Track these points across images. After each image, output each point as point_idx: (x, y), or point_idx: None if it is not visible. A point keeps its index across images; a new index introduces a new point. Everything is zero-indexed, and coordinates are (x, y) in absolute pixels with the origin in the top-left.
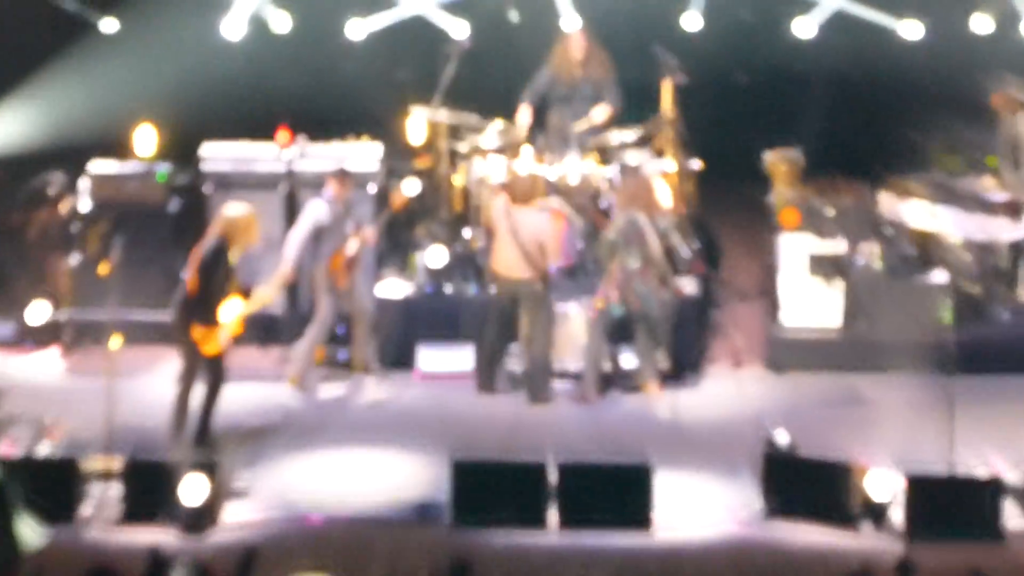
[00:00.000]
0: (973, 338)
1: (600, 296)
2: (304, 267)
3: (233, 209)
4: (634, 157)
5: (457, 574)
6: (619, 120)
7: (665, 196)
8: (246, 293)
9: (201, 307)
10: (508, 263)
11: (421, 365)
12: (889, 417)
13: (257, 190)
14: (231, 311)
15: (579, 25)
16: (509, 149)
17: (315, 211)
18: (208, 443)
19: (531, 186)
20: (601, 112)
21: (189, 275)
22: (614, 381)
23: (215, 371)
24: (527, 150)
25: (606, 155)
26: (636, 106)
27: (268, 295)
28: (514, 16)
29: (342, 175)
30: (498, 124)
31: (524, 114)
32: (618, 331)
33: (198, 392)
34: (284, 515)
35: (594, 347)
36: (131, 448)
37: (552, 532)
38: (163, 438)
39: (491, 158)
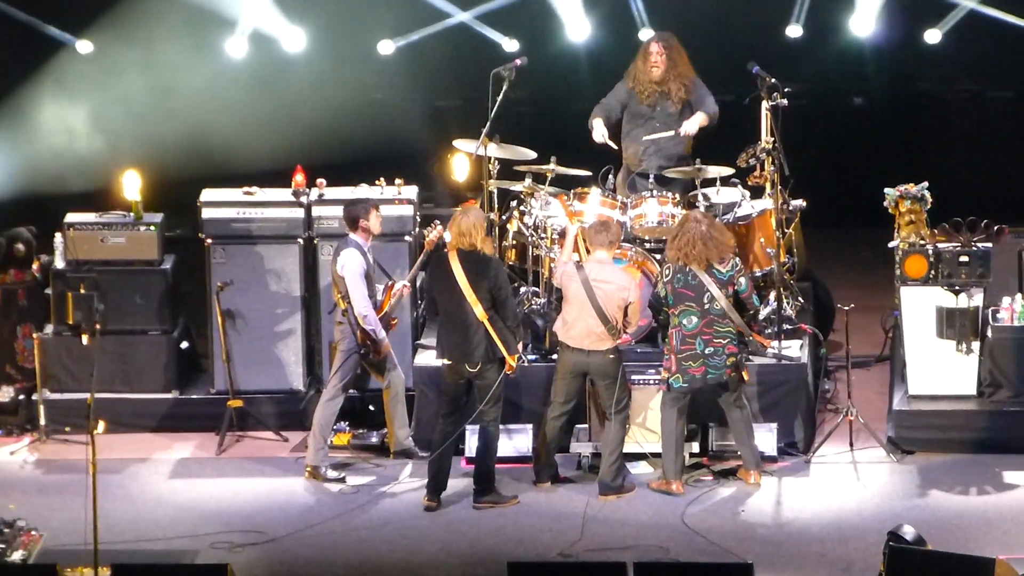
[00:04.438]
0: None
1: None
2: (324, 330)
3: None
4: (723, 195)
5: None
6: (707, 150)
7: (729, 240)
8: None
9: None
10: (580, 331)
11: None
12: None
13: (270, 242)
14: None
15: (656, 33)
16: (574, 188)
17: (356, 263)
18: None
19: (607, 233)
20: (694, 123)
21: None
22: (704, 466)
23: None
24: (594, 191)
25: (689, 192)
26: (727, 134)
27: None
28: None
29: (368, 208)
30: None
31: (598, 127)
32: (709, 406)
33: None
34: None
35: (670, 426)
36: (118, 557)
37: None
38: (154, 542)
39: (551, 200)
